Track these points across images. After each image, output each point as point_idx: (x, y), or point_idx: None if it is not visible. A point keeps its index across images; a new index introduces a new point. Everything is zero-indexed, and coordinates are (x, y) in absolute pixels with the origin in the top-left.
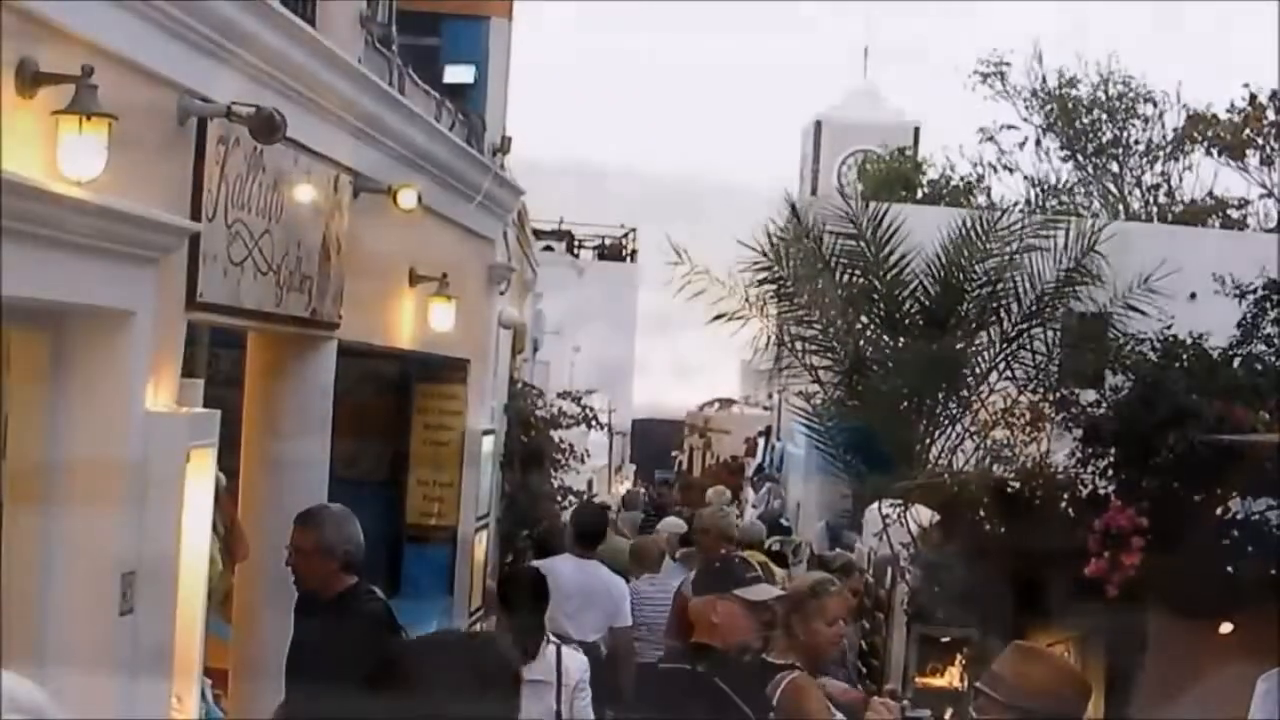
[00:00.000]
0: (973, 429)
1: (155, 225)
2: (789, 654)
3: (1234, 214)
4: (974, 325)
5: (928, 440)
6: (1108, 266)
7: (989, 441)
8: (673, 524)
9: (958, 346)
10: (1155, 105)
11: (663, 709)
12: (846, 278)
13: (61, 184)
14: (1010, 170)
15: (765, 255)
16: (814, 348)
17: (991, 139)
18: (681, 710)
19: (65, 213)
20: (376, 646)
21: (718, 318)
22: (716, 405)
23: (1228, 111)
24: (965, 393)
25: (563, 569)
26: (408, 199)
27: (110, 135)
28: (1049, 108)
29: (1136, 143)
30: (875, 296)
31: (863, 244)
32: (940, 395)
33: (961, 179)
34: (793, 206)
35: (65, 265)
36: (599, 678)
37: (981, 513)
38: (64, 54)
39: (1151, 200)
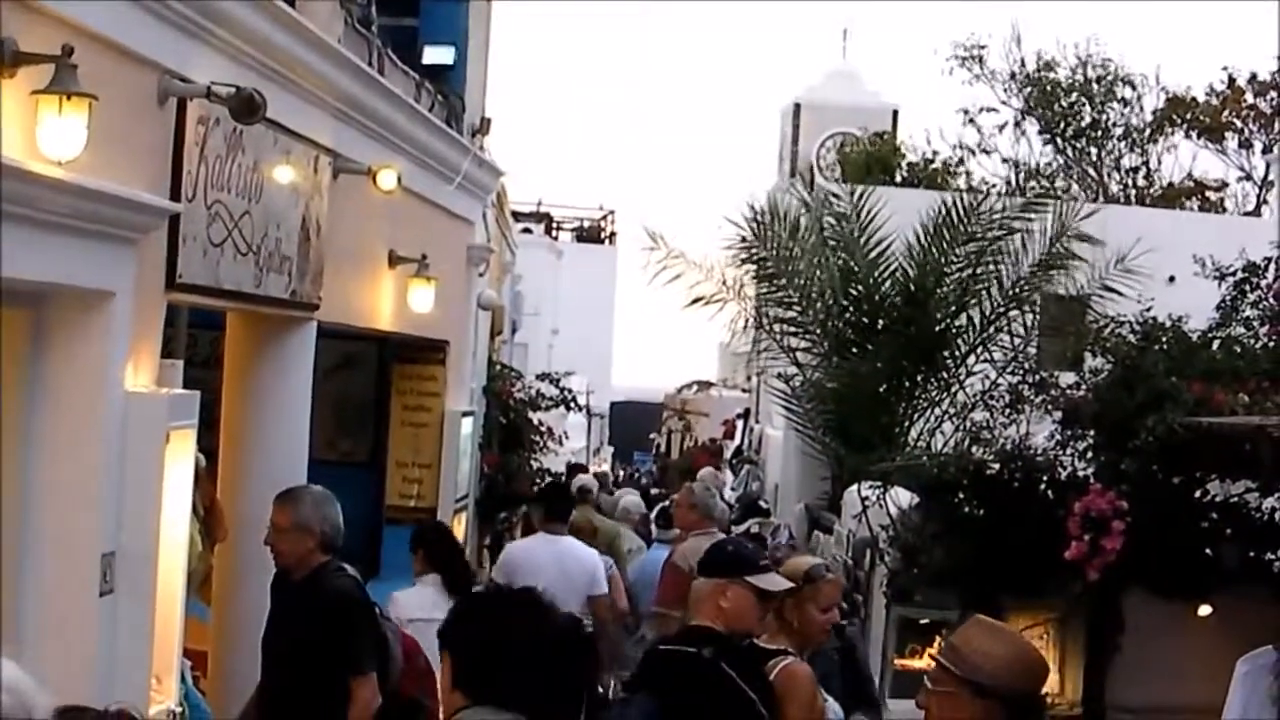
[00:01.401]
0: (952, 411)
1: (135, 205)
2: (779, 639)
3: (1213, 196)
4: (953, 307)
5: (906, 422)
6: (1087, 249)
7: (968, 423)
8: (633, 504)
9: (937, 329)
10: (1134, 88)
11: (666, 692)
12: (825, 259)
13: (41, 164)
14: (988, 153)
15: (747, 237)
16: (792, 330)
17: (972, 121)
18: (686, 694)
19: (45, 192)
20: (344, 620)
21: (694, 302)
22: (695, 387)
23: (1206, 94)
24: (944, 375)
25: (535, 546)
26: (387, 180)
27: (90, 115)
28: (1028, 90)
29: (1115, 125)
30: (854, 279)
31: (843, 225)
32: (919, 377)
33: (943, 161)
34: (787, 180)
35: (44, 245)
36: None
37: (960, 495)
38: (44, 34)
39: (1130, 183)
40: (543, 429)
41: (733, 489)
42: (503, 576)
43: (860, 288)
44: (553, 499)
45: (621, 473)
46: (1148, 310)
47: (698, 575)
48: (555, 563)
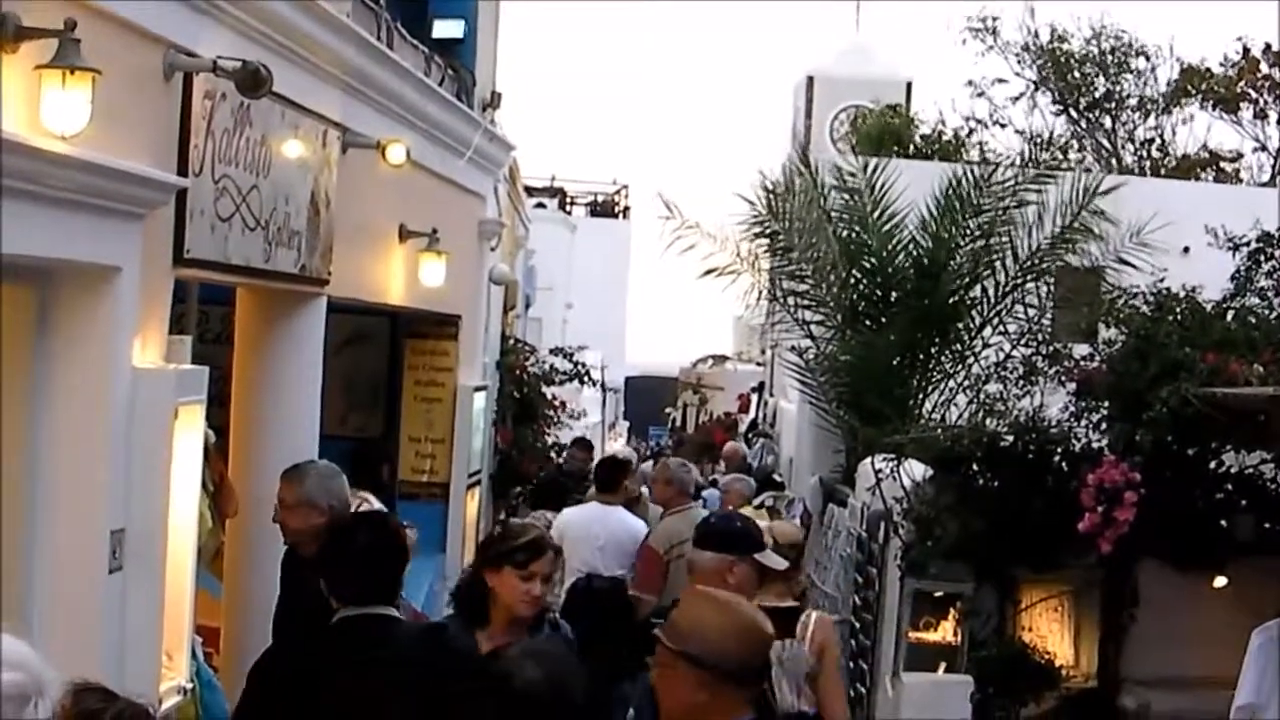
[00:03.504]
0: (966, 383)
1: (141, 180)
2: (786, 598)
3: (1227, 167)
4: (967, 279)
5: (920, 395)
6: (1103, 221)
7: (982, 395)
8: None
9: (950, 301)
10: (1148, 59)
11: None
12: (841, 232)
13: (45, 139)
14: (1002, 125)
15: (759, 211)
16: (806, 303)
17: (982, 94)
18: None
19: (49, 168)
20: None
21: (709, 273)
22: (710, 362)
23: (1221, 65)
24: (958, 347)
25: (592, 513)
26: (396, 154)
27: (94, 89)
28: (1041, 62)
29: (1129, 97)
30: (868, 250)
31: (857, 198)
32: (933, 350)
33: (955, 133)
34: (803, 151)
35: (50, 221)
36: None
37: (974, 467)
38: (47, 8)
39: (1144, 154)
40: (557, 404)
41: (748, 462)
42: (557, 537)
43: (873, 260)
44: (606, 473)
45: (633, 449)
46: (1161, 281)
47: (696, 548)
48: (605, 530)
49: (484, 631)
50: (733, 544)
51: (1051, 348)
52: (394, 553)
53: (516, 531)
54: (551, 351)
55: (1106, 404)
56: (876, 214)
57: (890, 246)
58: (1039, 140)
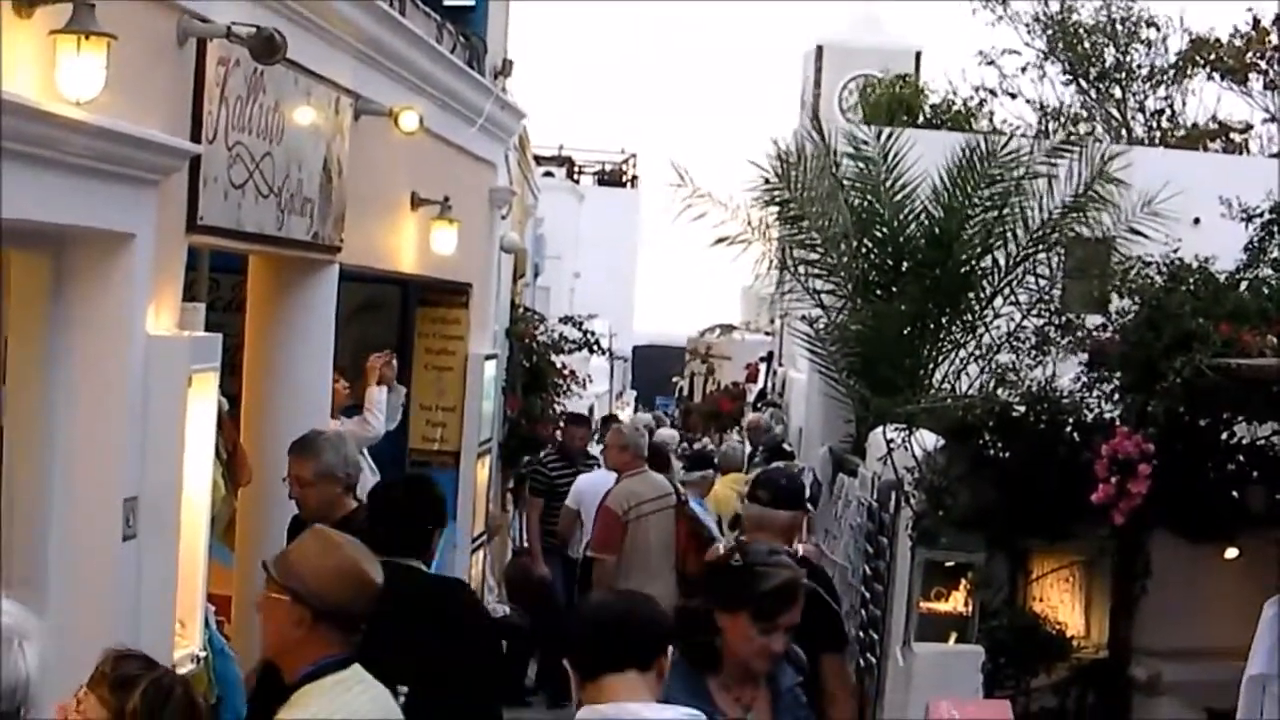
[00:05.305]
0: (977, 353)
1: (155, 147)
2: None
3: (1237, 138)
4: (978, 249)
5: (931, 364)
6: (1114, 189)
7: (993, 365)
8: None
9: (961, 271)
10: (1158, 29)
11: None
12: (853, 201)
13: (60, 104)
14: (1012, 95)
15: (773, 177)
16: (816, 272)
17: (991, 63)
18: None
19: (64, 133)
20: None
21: (719, 241)
22: (718, 331)
23: (1231, 35)
24: (969, 317)
25: (604, 481)
26: (409, 121)
27: (109, 55)
28: (1051, 32)
29: (1139, 67)
30: (880, 219)
31: (869, 166)
32: (944, 319)
33: (964, 103)
34: (815, 118)
35: (64, 187)
36: None
37: (986, 437)
38: None
39: (1154, 125)
40: (565, 372)
41: (773, 434)
42: (575, 502)
43: (885, 229)
44: None
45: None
46: (1174, 252)
47: (772, 507)
48: None
49: (716, 679)
50: (804, 501)
51: (1063, 318)
52: (428, 510)
53: (764, 571)
54: (561, 320)
55: (1119, 374)
56: (889, 183)
57: (902, 216)
58: (1052, 112)
